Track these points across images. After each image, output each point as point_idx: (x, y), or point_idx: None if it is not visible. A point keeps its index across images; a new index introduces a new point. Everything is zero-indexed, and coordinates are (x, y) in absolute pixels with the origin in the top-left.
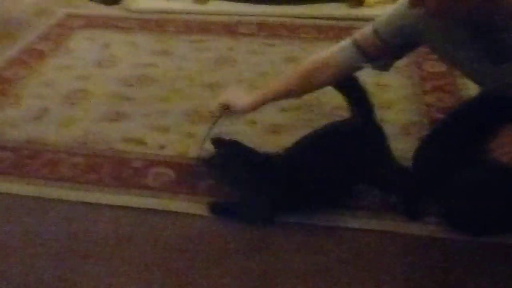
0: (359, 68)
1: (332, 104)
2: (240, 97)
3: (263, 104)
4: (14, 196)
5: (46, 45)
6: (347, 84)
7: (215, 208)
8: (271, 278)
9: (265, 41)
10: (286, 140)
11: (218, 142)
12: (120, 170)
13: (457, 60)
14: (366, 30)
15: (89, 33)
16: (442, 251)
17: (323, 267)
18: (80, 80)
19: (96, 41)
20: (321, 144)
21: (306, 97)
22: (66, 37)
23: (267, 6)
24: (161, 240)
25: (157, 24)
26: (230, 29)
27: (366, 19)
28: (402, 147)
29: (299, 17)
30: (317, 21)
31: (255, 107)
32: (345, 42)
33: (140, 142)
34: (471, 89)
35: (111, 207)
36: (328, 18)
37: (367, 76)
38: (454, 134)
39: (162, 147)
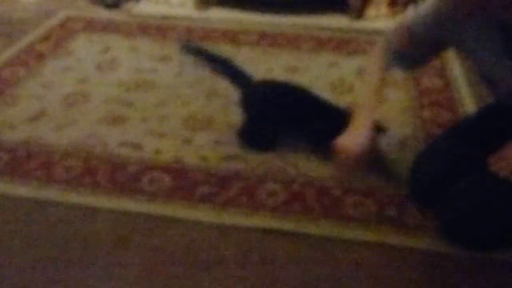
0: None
1: None
2: (350, 139)
3: (373, 114)
4: (8, 197)
5: (46, 47)
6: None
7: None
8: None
9: (266, 50)
10: None
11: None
12: (116, 174)
13: (485, 63)
14: (398, 24)
15: (89, 36)
16: (438, 264)
17: (318, 277)
18: (79, 82)
19: (97, 44)
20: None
21: None
22: (67, 39)
23: (269, 15)
24: (155, 246)
25: (158, 29)
26: (231, 37)
27: (366, 32)
28: (399, 160)
29: (300, 28)
30: (318, 32)
31: (369, 126)
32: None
33: (137, 146)
34: (467, 104)
35: (106, 210)
36: (329, 30)
37: None
38: (455, 147)
39: (158, 152)
